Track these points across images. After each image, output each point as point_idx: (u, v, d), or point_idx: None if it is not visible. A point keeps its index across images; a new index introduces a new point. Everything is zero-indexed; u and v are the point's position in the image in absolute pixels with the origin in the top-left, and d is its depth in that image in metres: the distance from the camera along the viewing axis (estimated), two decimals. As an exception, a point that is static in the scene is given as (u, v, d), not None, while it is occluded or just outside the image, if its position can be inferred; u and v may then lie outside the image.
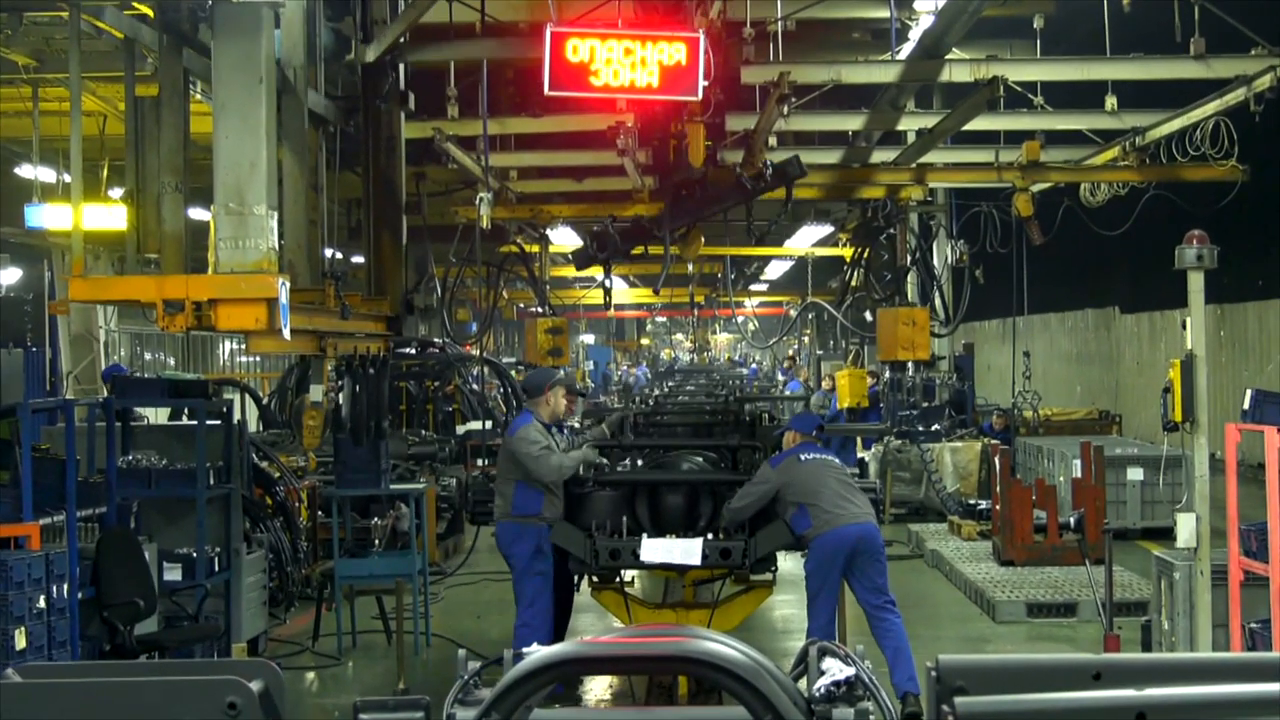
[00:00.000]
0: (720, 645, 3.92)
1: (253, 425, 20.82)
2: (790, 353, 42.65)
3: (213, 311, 9.54)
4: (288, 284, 9.71)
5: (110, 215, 18.47)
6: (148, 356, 32.98)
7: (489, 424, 20.44)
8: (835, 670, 4.11)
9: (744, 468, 11.40)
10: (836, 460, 11.03)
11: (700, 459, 11.64)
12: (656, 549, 10.37)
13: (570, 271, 35.54)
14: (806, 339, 45.26)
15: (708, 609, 10.89)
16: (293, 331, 10.01)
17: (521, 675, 3.86)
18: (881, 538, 10.74)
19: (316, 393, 11.97)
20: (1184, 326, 9.92)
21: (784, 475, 10.54)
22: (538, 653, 3.97)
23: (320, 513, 15.38)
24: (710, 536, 10.53)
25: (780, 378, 40.07)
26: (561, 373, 12.46)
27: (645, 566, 10.73)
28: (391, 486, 13.47)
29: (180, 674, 3.78)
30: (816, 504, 10.40)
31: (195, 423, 11.89)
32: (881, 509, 18.46)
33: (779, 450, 11.27)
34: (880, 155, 19.69)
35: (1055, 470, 19.09)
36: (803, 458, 10.66)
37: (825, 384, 28.09)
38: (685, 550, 10.35)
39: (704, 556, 10.32)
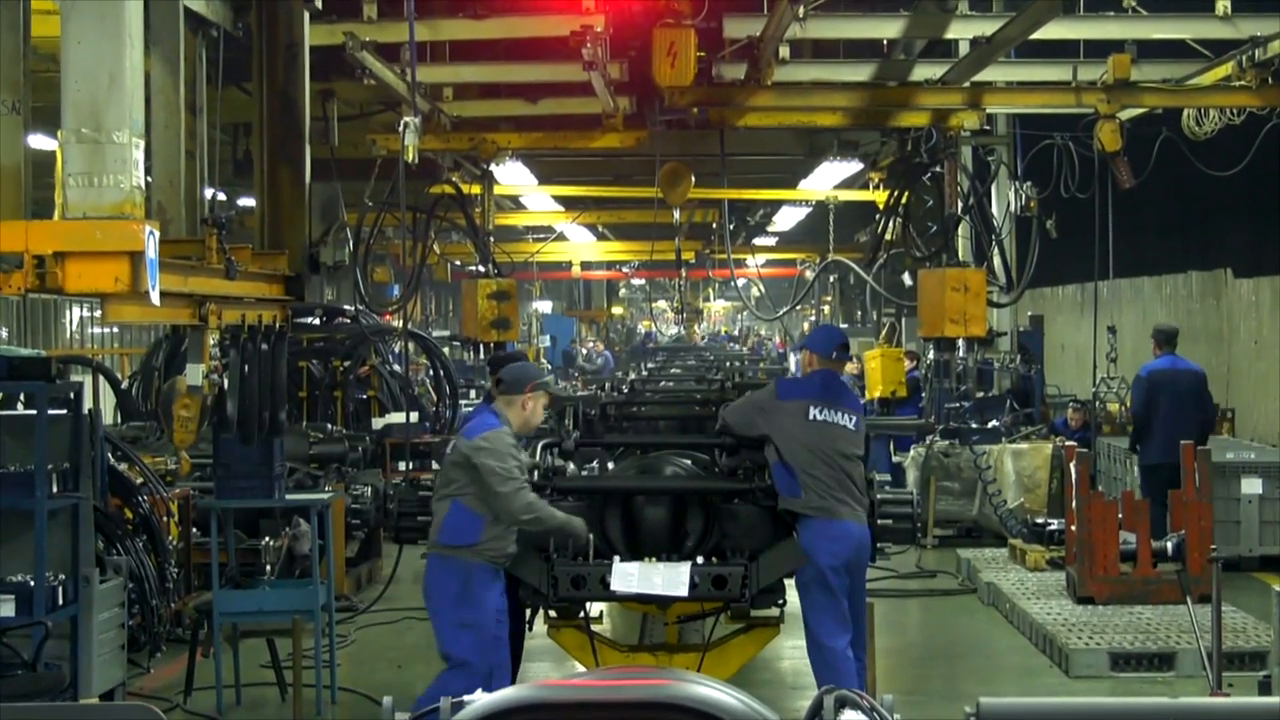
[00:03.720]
0: (712, 690, 4.00)
1: (109, 416, 20.87)
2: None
3: (59, 268, 9.58)
4: (157, 233, 9.77)
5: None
6: (-30, 327, 32.91)
7: (414, 416, 20.51)
8: (857, 726, 4.17)
9: (744, 471, 11.48)
10: (852, 427, 11.10)
11: (688, 461, 11.72)
12: (631, 576, 10.47)
13: (522, 219, 35.70)
14: (826, 308, 45.35)
15: (696, 652, 11.00)
16: (163, 295, 10.07)
17: (463, 727, 3.94)
18: None
19: (193, 374, 11.97)
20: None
21: (777, 419, 10.74)
22: (484, 699, 4.05)
23: (196, 530, 15.42)
24: (700, 560, 10.62)
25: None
26: (550, 377, 12.44)
27: (617, 598, 10.83)
28: (288, 496, 13.52)
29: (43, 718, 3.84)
30: (813, 481, 10.64)
31: (33, 412, 11.91)
32: (922, 530, 18.69)
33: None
34: (924, 71, 19.75)
35: (1148, 480, 19.21)
36: (813, 414, 10.84)
37: (851, 367, 28.23)
38: (668, 577, 10.44)
39: (692, 585, 10.42)
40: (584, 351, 50.08)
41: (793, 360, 42.57)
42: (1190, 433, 17.16)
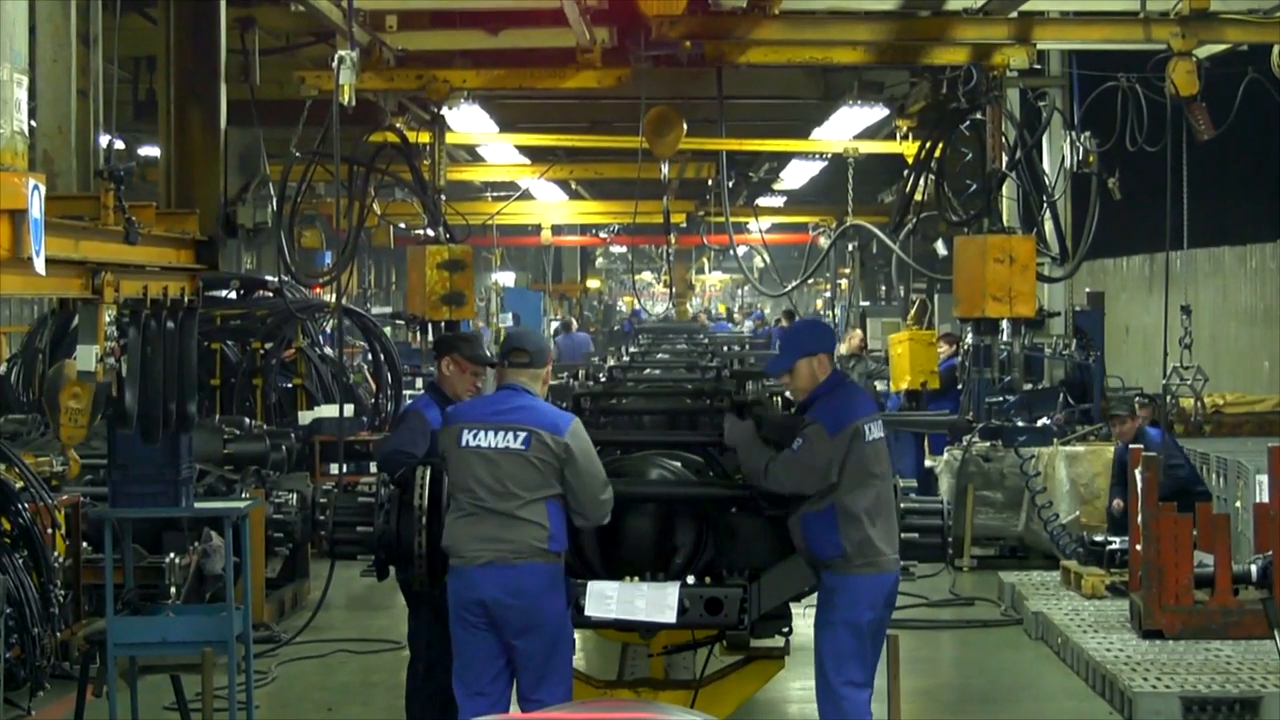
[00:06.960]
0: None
1: (-19, 409, 20.91)
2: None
3: (-74, 231, 9.62)
4: (43, 188, 9.80)
5: None
6: None
7: (350, 409, 20.55)
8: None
9: (743, 475, 11.51)
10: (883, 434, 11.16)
11: (678, 464, 11.77)
12: (609, 598, 10.53)
13: (479, 174, 35.72)
14: (844, 283, 45.36)
15: (687, 690, 11.06)
16: (49, 262, 10.10)
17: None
18: None
19: (84, 358, 11.98)
20: None
21: (846, 454, 10.67)
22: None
23: (86, 544, 15.46)
24: (691, 580, 10.67)
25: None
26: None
27: (592, 624, 10.89)
28: (197, 505, 13.53)
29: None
30: (862, 525, 10.57)
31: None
32: (955, 548, 18.76)
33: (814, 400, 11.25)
34: (961, -1, 19.84)
35: (1229, 490, 19.27)
36: (869, 433, 10.75)
37: (853, 342, 28.34)
38: (653, 600, 10.50)
39: (681, 610, 10.48)
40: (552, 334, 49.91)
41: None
42: None
